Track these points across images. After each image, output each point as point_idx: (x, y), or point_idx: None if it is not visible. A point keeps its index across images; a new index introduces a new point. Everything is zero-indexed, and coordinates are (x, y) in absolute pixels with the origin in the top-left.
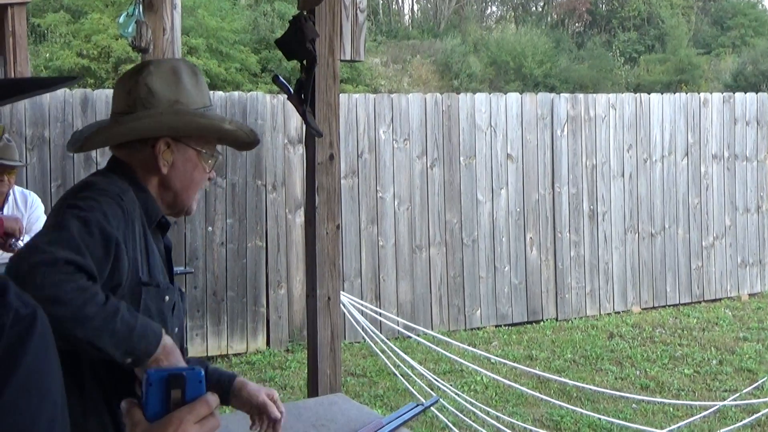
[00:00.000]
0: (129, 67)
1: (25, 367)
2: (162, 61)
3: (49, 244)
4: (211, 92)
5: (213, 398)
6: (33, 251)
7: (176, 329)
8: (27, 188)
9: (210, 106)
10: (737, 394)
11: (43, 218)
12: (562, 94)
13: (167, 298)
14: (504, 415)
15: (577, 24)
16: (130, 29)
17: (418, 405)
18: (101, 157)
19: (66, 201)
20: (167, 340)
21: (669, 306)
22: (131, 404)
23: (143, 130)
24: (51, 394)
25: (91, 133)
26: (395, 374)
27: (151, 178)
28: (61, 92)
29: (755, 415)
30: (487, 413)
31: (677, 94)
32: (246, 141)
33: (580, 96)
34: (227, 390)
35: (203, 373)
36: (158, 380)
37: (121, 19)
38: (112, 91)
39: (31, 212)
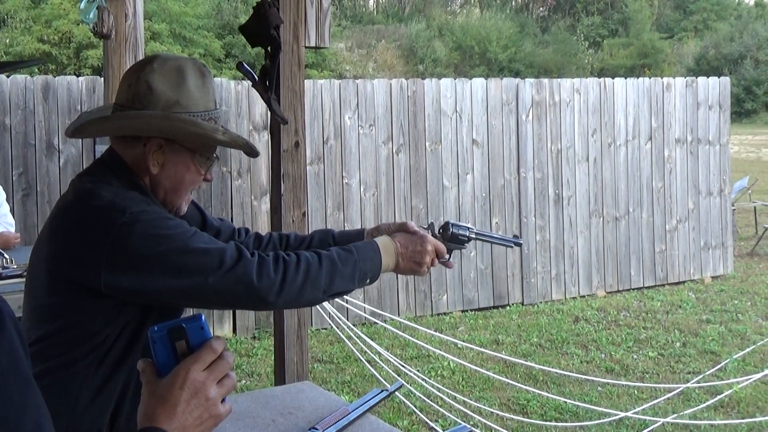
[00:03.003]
0: (91, 53)
1: (3, 360)
2: (169, 58)
3: (215, 270)
4: None
5: (218, 342)
6: (223, 284)
7: None
8: None
9: (214, 110)
10: (700, 376)
11: (5, 206)
12: (527, 79)
13: None
14: (471, 399)
15: (541, 8)
16: (91, 15)
17: (382, 391)
18: (63, 144)
19: (141, 242)
20: (382, 241)
21: (633, 289)
22: (146, 363)
23: (133, 129)
24: (31, 382)
25: (85, 122)
26: (362, 360)
27: (143, 176)
28: (21, 79)
29: (718, 397)
30: (454, 398)
31: (641, 79)
32: (245, 151)
33: (545, 81)
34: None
35: (204, 318)
36: (160, 337)
37: (83, 5)
38: (73, 77)
39: None
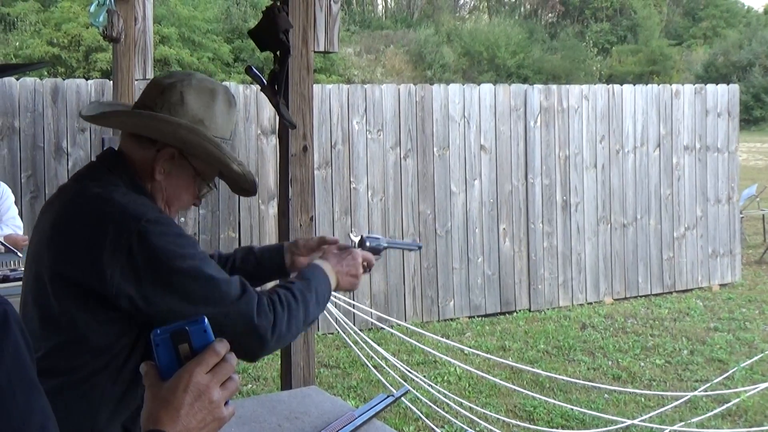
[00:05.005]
0: (100, 56)
1: (7, 362)
2: (205, 79)
3: (220, 301)
4: None
5: (221, 345)
6: (230, 317)
7: None
8: None
9: (229, 140)
10: (708, 384)
11: (14, 208)
12: (535, 86)
13: None
14: (477, 405)
15: (550, 14)
16: (101, 18)
17: (388, 396)
18: (71, 147)
19: (154, 254)
20: (322, 263)
21: (641, 296)
22: (149, 366)
23: (157, 131)
24: (36, 385)
25: (111, 111)
26: (368, 366)
27: (146, 180)
28: (31, 82)
29: (726, 405)
30: (460, 404)
31: (649, 86)
32: (244, 187)
33: (554, 87)
34: (282, 259)
35: (206, 321)
36: (163, 340)
37: (92, 8)
38: (82, 80)
39: (1, 203)
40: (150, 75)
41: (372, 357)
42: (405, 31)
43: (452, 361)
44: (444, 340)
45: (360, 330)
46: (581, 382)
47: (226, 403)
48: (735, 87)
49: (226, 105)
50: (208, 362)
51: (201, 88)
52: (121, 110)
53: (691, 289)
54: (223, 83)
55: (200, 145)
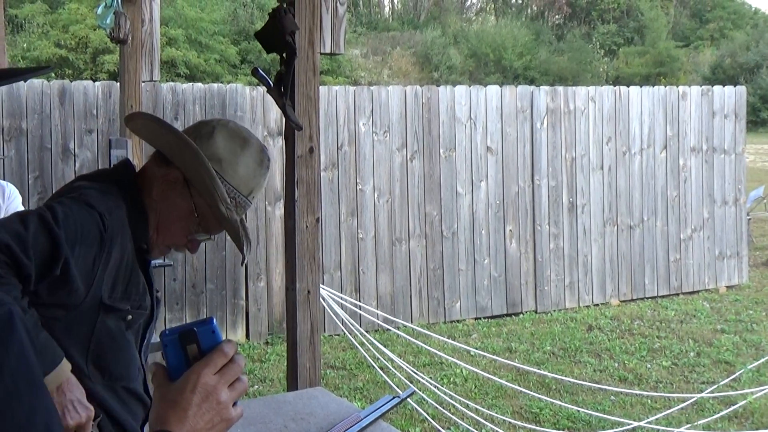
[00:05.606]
0: (107, 58)
1: (12, 363)
2: (245, 130)
3: (3, 230)
4: (190, 84)
5: (229, 346)
6: None
7: (143, 346)
8: (4, 179)
9: (243, 196)
10: (715, 386)
11: (21, 209)
12: (541, 87)
13: (129, 317)
14: (483, 407)
15: (556, 16)
16: (108, 20)
17: (394, 397)
18: (78, 149)
19: (52, 199)
20: (65, 371)
21: (647, 298)
22: (158, 367)
23: (166, 143)
24: (41, 385)
25: (138, 112)
26: (374, 367)
27: (146, 196)
28: (38, 83)
29: (732, 407)
30: (467, 406)
31: (656, 87)
32: (232, 238)
33: (560, 89)
34: None
35: (215, 322)
36: (171, 340)
37: (99, 10)
38: (90, 82)
39: (8, 203)
40: (157, 77)
41: (378, 358)
42: (411, 33)
43: (458, 362)
44: (450, 341)
45: (366, 331)
46: (587, 383)
47: (234, 404)
48: (742, 89)
49: (255, 161)
50: (216, 363)
51: (235, 133)
52: (146, 113)
53: (698, 291)
54: (230, 84)
55: (198, 171)
